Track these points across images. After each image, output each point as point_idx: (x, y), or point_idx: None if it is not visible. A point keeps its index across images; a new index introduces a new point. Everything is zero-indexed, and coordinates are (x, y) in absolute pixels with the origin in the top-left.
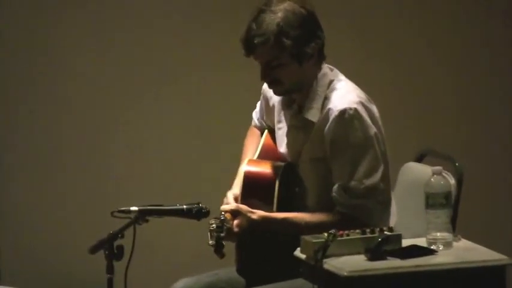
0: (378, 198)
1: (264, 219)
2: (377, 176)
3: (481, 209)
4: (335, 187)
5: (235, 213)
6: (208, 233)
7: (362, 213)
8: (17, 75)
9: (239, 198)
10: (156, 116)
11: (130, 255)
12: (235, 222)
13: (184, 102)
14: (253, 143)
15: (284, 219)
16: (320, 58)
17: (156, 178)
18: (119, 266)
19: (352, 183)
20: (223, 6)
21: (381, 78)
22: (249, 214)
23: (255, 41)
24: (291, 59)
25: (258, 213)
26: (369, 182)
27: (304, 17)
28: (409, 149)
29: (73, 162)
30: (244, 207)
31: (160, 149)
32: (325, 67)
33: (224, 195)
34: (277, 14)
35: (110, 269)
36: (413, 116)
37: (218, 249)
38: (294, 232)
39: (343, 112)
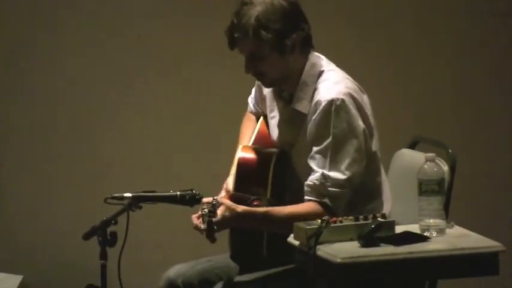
0: (354, 191)
1: (247, 213)
2: (358, 169)
3: (474, 195)
4: (317, 174)
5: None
6: (200, 218)
7: (339, 202)
8: (12, 74)
9: (233, 184)
10: (151, 105)
11: (124, 242)
12: (218, 211)
13: (178, 91)
14: (249, 129)
15: (266, 212)
16: (305, 49)
17: (149, 165)
18: (112, 252)
19: (334, 172)
20: (220, 3)
21: (375, 65)
22: (233, 207)
23: (235, 35)
24: (271, 51)
25: (241, 207)
26: (349, 172)
27: (285, 9)
28: (402, 135)
29: (67, 161)
30: (228, 201)
31: (154, 136)
32: (314, 57)
33: (217, 182)
34: (256, 8)
35: (104, 255)
36: (407, 103)
37: (210, 233)
38: (275, 226)
39: (330, 103)
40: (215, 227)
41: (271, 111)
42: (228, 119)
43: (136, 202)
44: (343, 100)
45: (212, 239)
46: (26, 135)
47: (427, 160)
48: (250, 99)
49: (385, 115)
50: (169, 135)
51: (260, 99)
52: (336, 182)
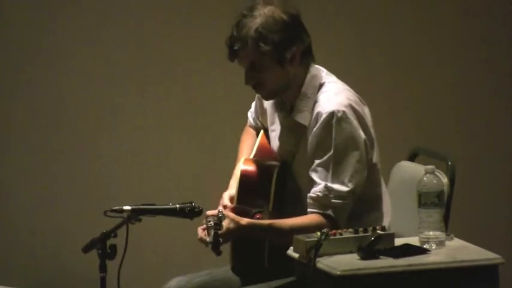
0: (355, 202)
1: (251, 225)
2: (360, 180)
3: (473, 207)
4: (320, 187)
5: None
6: (205, 230)
7: (342, 214)
8: (13, 75)
9: (235, 197)
10: (151, 115)
11: (123, 254)
12: (223, 224)
13: (179, 102)
14: (249, 143)
15: (270, 225)
16: (305, 60)
17: (149, 177)
18: (112, 265)
19: (337, 185)
20: (220, 4)
21: (375, 76)
22: (237, 219)
23: (235, 47)
24: (271, 63)
25: (245, 220)
26: (352, 184)
27: (285, 22)
28: (402, 148)
29: (67, 161)
30: (231, 214)
31: (154, 148)
32: (315, 68)
33: (217, 194)
34: (256, 20)
35: (103, 268)
36: (406, 115)
37: (216, 245)
38: (279, 237)
39: (331, 114)
40: (221, 239)
41: (272, 123)
42: (230, 130)
43: (135, 215)
44: (344, 112)
45: (218, 252)
46: (26, 143)
47: (426, 172)
48: (250, 113)
49: (385, 127)
50: (170, 147)
51: (261, 112)
52: (339, 194)
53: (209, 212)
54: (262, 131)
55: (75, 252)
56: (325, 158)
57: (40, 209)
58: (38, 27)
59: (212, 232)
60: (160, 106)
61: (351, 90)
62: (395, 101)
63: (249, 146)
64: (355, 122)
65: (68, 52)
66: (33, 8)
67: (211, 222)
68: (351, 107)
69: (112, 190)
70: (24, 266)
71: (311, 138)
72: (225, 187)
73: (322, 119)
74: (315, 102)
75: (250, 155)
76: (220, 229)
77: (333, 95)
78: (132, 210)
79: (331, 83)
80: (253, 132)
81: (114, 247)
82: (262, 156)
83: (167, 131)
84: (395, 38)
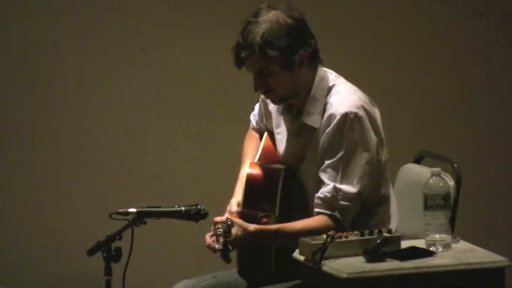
0: (362, 203)
1: (258, 231)
2: (368, 182)
3: (480, 210)
4: (329, 187)
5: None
6: (214, 237)
7: (348, 216)
8: (14, 76)
9: (241, 201)
10: (156, 117)
11: (129, 257)
12: (233, 230)
13: (184, 104)
14: (253, 146)
15: (278, 229)
16: (313, 63)
17: (154, 180)
18: (117, 267)
19: (345, 186)
20: (224, 7)
21: (378, 79)
22: (245, 226)
23: (242, 55)
24: (280, 68)
25: (252, 226)
26: (360, 186)
27: (290, 26)
28: (408, 150)
29: (71, 163)
30: (239, 220)
31: (159, 150)
32: (323, 71)
33: (222, 196)
34: (261, 26)
35: (108, 271)
36: (412, 118)
37: (225, 253)
38: (286, 242)
39: (344, 116)
40: (230, 246)
41: (278, 126)
42: (234, 132)
43: (141, 217)
44: (356, 114)
45: (227, 259)
46: (28, 143)
47: (432, 175)
48: (253, 116)
49: (391, 129)
50: (175, 149)
51: (265, 114)
52: (347, 196)
53: (217, 219)
54: (266, 134)
55: (80, 255)
56: (335, 158)
57: (44, 211)
58: (37, 26)
59: (222, 240)
60: (163, 107)
61: (361, 92)
62: (400, 104)
63: (253, 150)
64: (367, 124)
65: (69, 52)
66: (32, 8)
67: (220, 230)
68: (363, 108)
69: (117, 192)
70: (27, 268)
71: (323, 140)
72: (230, 189)
73: (335, 120)
74: (325, 104)
75: (254, 158)
76: (229, 236)
77: (345, 95)
78: (137, 213)
79: (341, 84)
80: (256, 135)
81: (119, 250)
82: (267, 159)
83: (171, 133)
84: (399, 39)
